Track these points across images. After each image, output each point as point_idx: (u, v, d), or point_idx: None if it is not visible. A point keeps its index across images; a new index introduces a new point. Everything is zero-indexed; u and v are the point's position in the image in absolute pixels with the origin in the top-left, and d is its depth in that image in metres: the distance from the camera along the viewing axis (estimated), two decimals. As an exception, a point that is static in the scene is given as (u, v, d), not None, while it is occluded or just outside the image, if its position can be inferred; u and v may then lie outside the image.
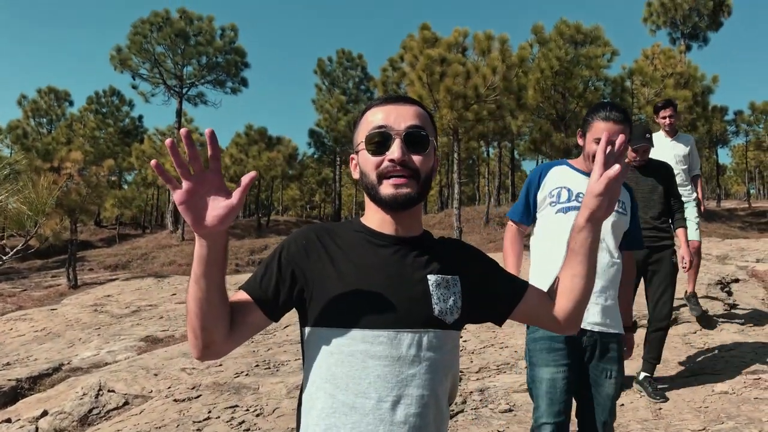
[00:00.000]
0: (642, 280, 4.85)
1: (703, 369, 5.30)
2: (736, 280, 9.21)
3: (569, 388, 2.61)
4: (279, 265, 1.38)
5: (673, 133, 6.07)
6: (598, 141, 2.63)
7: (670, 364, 5.45)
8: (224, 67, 35.54)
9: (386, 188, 1.37)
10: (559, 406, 2.57)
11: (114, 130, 39.36)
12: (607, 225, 2.68)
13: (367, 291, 1.35)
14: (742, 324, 6.61)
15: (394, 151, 1.35)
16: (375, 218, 1.45)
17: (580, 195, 2.66)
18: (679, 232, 4.93)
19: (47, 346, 8.81)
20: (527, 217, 2.89)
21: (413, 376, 1.33)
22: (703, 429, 4.13)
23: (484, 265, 1.54)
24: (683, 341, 6.12)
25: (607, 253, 2.70)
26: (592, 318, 2.64)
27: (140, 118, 42.00)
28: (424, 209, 35.14)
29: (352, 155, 1.50)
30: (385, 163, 1.37)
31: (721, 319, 6.81)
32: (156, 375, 6.13)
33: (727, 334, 6.33)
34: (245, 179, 1.16)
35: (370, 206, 1.46)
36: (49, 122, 39.80)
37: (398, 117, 1.39)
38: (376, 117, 1.41)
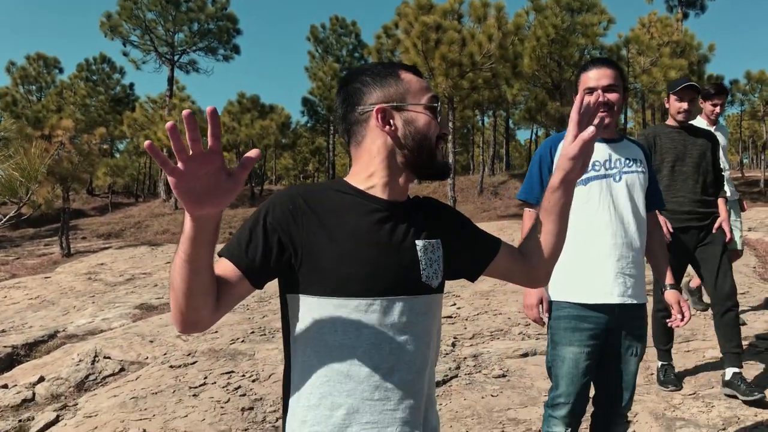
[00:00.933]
0: (690, 265, 4.31)
1: (695, 335, 5.36)
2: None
3: (591, 370, 2.56)
4: (265, 232, 1.30)
5: (715, 122, 5.24)
6: (588, 91, 2.57)
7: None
8: (216, 33, 35.09)
9: (440, 155, 1.40)
10: (578, 387, 2.54)
11: (105, 98, 38.91)
12: (622, 186, 2.60)
13: (359, 258, 1.31)
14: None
15: (445, 122, 1.44)
16: (366, 180, 1.39)
17: (596, 163, 2.59)
18: (720, 201, 4.32)
19: (42, 313, 8.83)
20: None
21: (405, 342, 1.33)
22: (694, 393, 4.19)
23: (458, 224, 1.54)
24: (675, 308, 6.18)
25: (631, 218, 2.59)
26: (630, 291, 2.55)
27: (131, 85, 41.51)
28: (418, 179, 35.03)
29: (383, 106, 1.37)
30: (441, 130, 1.41)
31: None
32: (151, 342, 6.15)
33: (719, 301, 6.39)
34: (248, 159, 1.09)
35: (361, 167, 1.40)
36: (38, 90, 39.32)
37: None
38: (423, 82, 1.44)
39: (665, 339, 4.41)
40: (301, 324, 1.34)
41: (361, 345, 1.30)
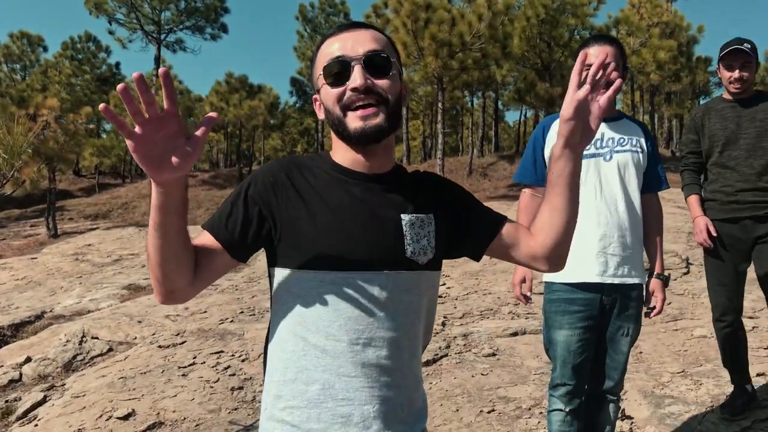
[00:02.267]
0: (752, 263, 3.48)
1: (683, 314, 5.40)
2: (716, 229, 9.33)
3: (585, 350, 2.55)
4: (245, 204, 1.29)
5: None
6: (587, 68, 2.53)
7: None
8: (203, 12, 34.62)
9: (353, 121, 1.27)
10: (574, 368, 2.54)
11: (91, 77, 38.40)
12: (613, 165, 2.58)
13: (337, 232, 1.28)
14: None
15: (356, 78, 1.25)
16: (345, 155, 1.36)
17: None
18: None
19: (28, 294, 8.75)
20: (539, 176, 2.66)
21: (384, 318, 1.29)
22: (682, 371, 4.22)
23: (459, 198, 1.46)
24: (664, 288, 6.22)
25: (620, 197, 2.58)
26: (612, 270, 2.53)
27: (117, 64, 40.95)
28: (408, 159, 35.05)
29: (314, 95, 1.39)
30: (348, 93, 1.27)
31: (700, 266, 6.91)
32: (140, 322, 6.11)
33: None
34: (207, 120, 1.07)
35: (338, 144, 1.37)
36: (22, 68, 38.77)
37: (355, 43, 1.29)
38: (332, 48, 1.31)
39: (732, 357, 3.53)
40: (281, 297, 1.33)
41: (337, 319, 1.26)
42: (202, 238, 1.29)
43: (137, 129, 1.03)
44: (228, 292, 7.20)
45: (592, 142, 2.55)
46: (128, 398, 4.21)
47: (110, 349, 5.54)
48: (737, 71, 3.33)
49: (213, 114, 1.07)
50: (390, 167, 1.39)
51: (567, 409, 2.56)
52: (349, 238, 1.28)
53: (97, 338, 5.69)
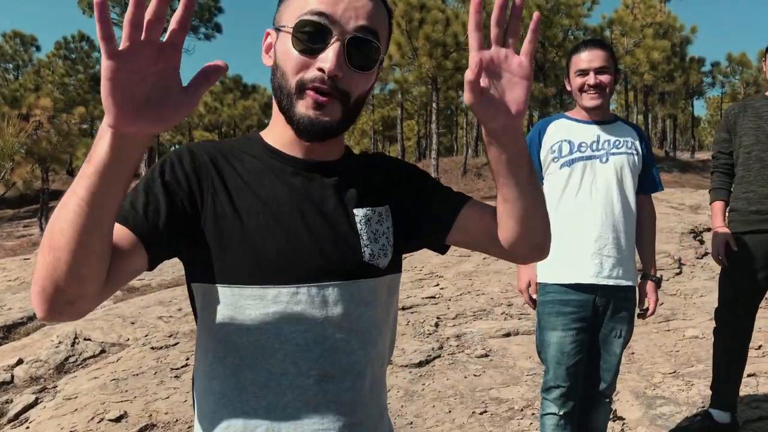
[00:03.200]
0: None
1: (675, 315, 5.42)
2: (708, 229, 9.37)
3: (579, 351, 2.56)
4: (166, 190, 0.98)
5: None
6: (579, 73, 2.57)
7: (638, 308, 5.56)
8: (197, 12, 34.54)
9: (303, 106, 1.00)
10: (567, 370, 2.55)
11: (84, 76, 38.27)
12: (609, 167, 2.59)
13: (274, 234, 1.01)
14: (713, 271, 6.74)
15: (329, 58, 0.96)
16: (283, 135, 1.08)
17: (582, 144, 2.59)
18: None
19: (21, 295, 8.72)
20: None
21: (342, 340, 1.04)
22: (674, 372, 4.24)
23: (416, 183, 1.19)
24: (656, 288, 6.25)
25: (616, 199, 2.58)
26: (607, 271, 2.54)
27: (111, 64, 40.84)
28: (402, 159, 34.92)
29: (268, 30, 1.08)
30: (313, 72, 0.98)
31: (692, 267, 6.95)
32: (133, 323, 6.10)
33: (699, 281, 6.46)
34: (210, 69, 0.77)
35: (278, 119, 1.07)
36: (15, 68, 38.64)
37: (348, 8, 0.98)
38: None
39: (722, 374, 3.29)
40: (208, 320, 1.03)
41: (282, 347, 1.00)
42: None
43: (126, 45, 0.71)
44: (221, 293, 7.20)
45: (588, 144, 2.59)
46: (120, 400, 4.20)
47: (103, 351, 5.53)
48: None
49: (221, 62, 0.78)
50: (339, 154, 1.14)
51: (561, 413, 2.56)
52: (290, 242, 1.02)
53: (89, 340, 5.68)
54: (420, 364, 4.60)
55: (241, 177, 1.05)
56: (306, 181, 1.07)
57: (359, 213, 1.10)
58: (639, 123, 34.21)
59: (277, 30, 1.04)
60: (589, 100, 2.57)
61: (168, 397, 4.23)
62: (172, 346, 5.29)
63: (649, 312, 2.74)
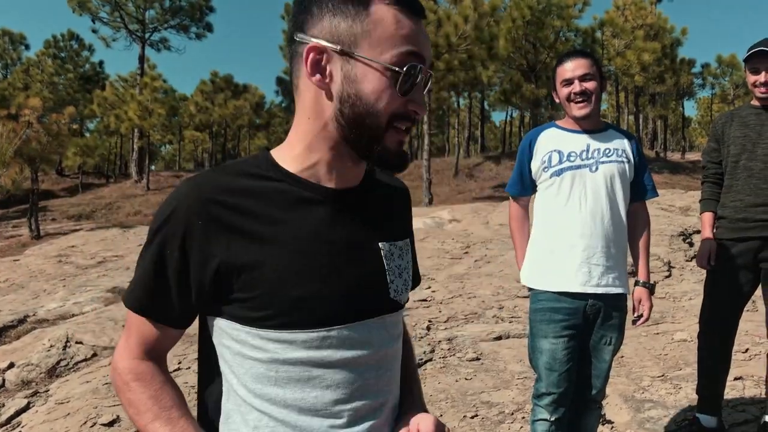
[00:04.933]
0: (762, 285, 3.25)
1: (664, 318, 5.47)
2: (698, 231, 9.45)
3: (571, 358, 2.59)
4: (178, 273, 0.97)
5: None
6: (565, 83, 2.61)
7: (633, 313, 5.61)
8: (188, 11, 34.47)
9: (392, 141, 0.98)
10: (559, 376, 2.57)
11: (74, 75, 38.12)
12: (599, 176, 2.61)
13: (303, 276, 0.97)
14: (702, 274, 6.81)
15: (424, 103, 1.00)
16: (310, 155, 1.01)
17: (572, 154, 2.62)
18: None
19: (11, 297, 8.68)
20: (525, 187, 2.78)
21: (373, 378, 1.03)
22: (662, 375, 4.28)
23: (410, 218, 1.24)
24: (645, 291, 6.30)
25: (606, 208, 2.61)
26: (595, 280, 2.57)
27: (101, 63, 40.75)
28: (394, 160, 34.92)
29: (317, 45, 0.95)
30: (404, 109, 0.97)
31: (682, 270, 7.01)
32: (124, 326, 6.09)
33: (688, 284, 6.52)
34: None
35: (306, 134, 1.01)
36: (4, 67, 38.42)
37: (428, 47, 0.99)
38: (408, 28, 0.95)
39: (708, 378, 3.33)
40: (228, 354, 1.01)
41: (313, 390, 0.99)
42: (138, 325, 1.03)
43: None
44: (213, 296, 7.20)
45: (578, 153, 2.63)
46: (113, 404, 4.20)
47: (94, 354, 5.52)
48: (763, 74, 3.07)
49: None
50: (361, 177, 1.09)
51: (552, 419, 2.59)
52: (320, 283, 0.98)
53: (81, 343, 5.67)
54: (412, 368, 4.62)
55: (259, 217, 0.98)
56: (334, 212, 1.02)
57: (385, 248, 1.07)
58: (630, 124, 34.37)
59: (343, 53, 0.95)
60: (578, 109, 2.60)
61: (160, 402, 4.23)
62: (164, 349, 5.30)
63: (643, 319, 2.76)
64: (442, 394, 4.16)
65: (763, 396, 3.35)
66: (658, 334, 5.08)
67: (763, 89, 3.10)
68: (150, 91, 29.76)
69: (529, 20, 20.59)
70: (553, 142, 2.69)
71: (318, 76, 0.96)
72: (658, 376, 4.27)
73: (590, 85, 2.58)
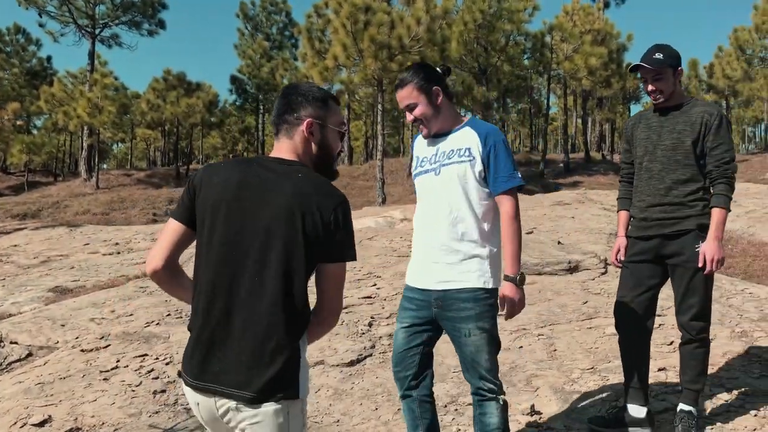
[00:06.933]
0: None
1: (598, 313, 5.65)
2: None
3: (411, 344, 2.83)
4: None
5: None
6: (405, 108, 2.86)
7: (568, 309, 5.78)
8: (140, 7, 33.84)
9: (335, 164, 2.07)
10: (397, 358, 2.88)
11: (20, 70, 37.00)
12: (440, 179, 2.77)
13: None
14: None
15: (342, 146, 2.13)
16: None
17: (424, 160, 2.88)
18: (713, 212, 3.19)
19: (-54, 297, 8.41)
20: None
21: None
22: (592, 368, 4.44)
23: None
24: (582, 287, 6.49)
25: (447, 208, 2.74)
26: (436, 277, 2.73)
27: (49, 58, 39.68)
28: (350, 160, 34.97)
29: (314, 121, 1.96)
30: (339, 149, 2.08)
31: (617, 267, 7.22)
32: (63, 326, 5.99)
33: (623, 280, 6.73)
34: None
35: (291, 155, 1.98)
36: (-55, 60, 36.94)
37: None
38: (339, 114, 2.06)
39: (690, 375, 3.41)
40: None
41: None
42: None
43: None
44: (156, 295, 7.11)
45: (428, 158, 2.85)
46: (45, 404, 4.14)
47: (29, 354, 5.42)
48: (650, 84, 3.29)
49: None
50: None
51: (399, 394, 2.91)
52: None
53: (15, 343, 5.55)
54: (351, 363, 4.68)
55: None
56: None
57: None
58: (578, 126, 35.13)
59: (325, 125, 1.99)
60: (421, 131, 2.87)
61: (95, 401, 4.19)
62: (103, 348, 5.23)
63: (504, 312, 2.75)
64: (379, 389, 4.24)
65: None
66: (590, 328, 5.25)
67: (655, 96, 3.30)
68: (100, 88, 29.12)
69: (480, 24, 20.91)
70: (417, 148, 2.98)
71: (311, 135, 1.99)
72: (588, 369, 4.43)
73: (416, 112, 2.77)
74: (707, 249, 3.15)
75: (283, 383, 1.79)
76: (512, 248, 2.71)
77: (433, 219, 2.77)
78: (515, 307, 2.75)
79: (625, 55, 26.68)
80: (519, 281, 2.72)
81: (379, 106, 19.61)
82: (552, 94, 34.12)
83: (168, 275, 1.95)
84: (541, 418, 3.70)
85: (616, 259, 3.56)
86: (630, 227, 3.51)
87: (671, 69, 3.28)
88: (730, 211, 3.21)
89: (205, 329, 1.85)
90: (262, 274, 1.80)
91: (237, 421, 1.82)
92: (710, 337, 3.52)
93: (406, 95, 2.76)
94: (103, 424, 3.88)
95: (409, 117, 2.80)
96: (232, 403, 1.79)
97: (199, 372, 1.84)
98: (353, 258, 1.90)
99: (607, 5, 31.66)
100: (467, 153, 2.74)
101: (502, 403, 2.75)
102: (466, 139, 2.78)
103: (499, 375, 2.82)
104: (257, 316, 1.79)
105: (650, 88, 3.29)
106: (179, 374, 1.96)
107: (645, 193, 3.37)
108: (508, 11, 20.89)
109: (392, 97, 27.84)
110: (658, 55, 3.24)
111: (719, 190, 3.19)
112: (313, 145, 1.95)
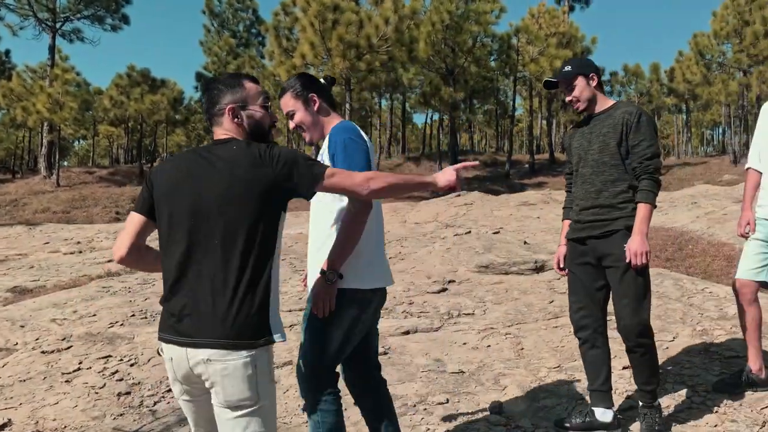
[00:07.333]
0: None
1: (563, 312, 5.72)
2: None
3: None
4: None
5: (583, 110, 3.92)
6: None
7: (534, 308, 5.86)
8: (103, 1, 33.17)
9: (271, 136, 2.33)
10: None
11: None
12: None
13: None
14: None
15: (274, 118, 2.35)
16: None
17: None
18: (638, 207, 3.25)
19: None
20: None
21: None
22: (558, 366, 4.50)
23: None
24: (548, 286, 6.58)
25: (315, 217, 2.81)
26: (310, 281, 2.81)
27: (7, 52, 38.62)
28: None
29: (235, 106, 2.18)
30: (270, 120, 2.32)
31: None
32: (22, 327, 5.84)
33: (588, 280, 6.84)
34: None
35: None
36: None
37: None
38: (258, 89, 2.25)
39: (642, 377, 3.44)
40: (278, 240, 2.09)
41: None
42: None
43: None
44: (120, 295, 6.99)
45: None
46: (4, 407, 4.03)
47: (-12, 356, 5.26)
48: (566, 95, 3.47)
49: None
50: None
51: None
52: None
53: (-27, 345, 5.39)
54: (319, 364, 4.65)
55: None
56: None
57: None
58: (543, 128, 35.59)
59: (242, 107, 2.18)
60: (304, 138, 2.89)
61: (57, 403, 4.10)
62: (65, 349, 5.11)
63: (314, 309, 2.66)
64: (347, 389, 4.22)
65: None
66: (556, 327, 5.32)
67: (576, 105, 3.45)
68: (61, 83, 28.47)
69: (448, 24, 21.03)
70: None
71: (236, 119, 2.23)
72: (555, 367, 4.49)
73: (296, 119, 2.81)
74: (631, 244, 3.20)
75: (252, 329, 1.97)
76: (336, 246, 2.64)
77: (310, 226, 2.89)
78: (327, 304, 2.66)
79: (590, 58, 27.19)
80: (328, 277, 2.61)
81: (347, 105, 19.57)
82: (518, 95, 34.49)
83: (134, 259, 2.19)
84: (508, 416, 3.74)
85: (559, 267, 3.66)
86: (568, 230, 3.61)
87: (582, 76, 3.41)
88: (655, 206, 3.30)
89: (173, 293, 2.04)
90: (223, 238, 1.99)
91: (208, 374, 1.96)
92: (672, 337, 3.58)
93: (285, 103, 2.83)
94: (65, 427, 3.79)
95: (291, 124, 2.84)
96: (204, 355, 1.95)
97: (171, 326, 2.03)
98: (325, 168, 2.13)
99: (572, 8, 32.15)
100: (321, 160, 2.72)
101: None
102: (324, 147, 2.80)
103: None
104: (223, 273, 1.97)
105: (567, 98, 3.46)
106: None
107: (579, 198, 3.47)
108: (475, 13, 21.06)
109: (360, 96, 27.86)
110: (567, 68, 3.43)
111: (643, 185, 3.26)
112: (243, 127, 2.15)
